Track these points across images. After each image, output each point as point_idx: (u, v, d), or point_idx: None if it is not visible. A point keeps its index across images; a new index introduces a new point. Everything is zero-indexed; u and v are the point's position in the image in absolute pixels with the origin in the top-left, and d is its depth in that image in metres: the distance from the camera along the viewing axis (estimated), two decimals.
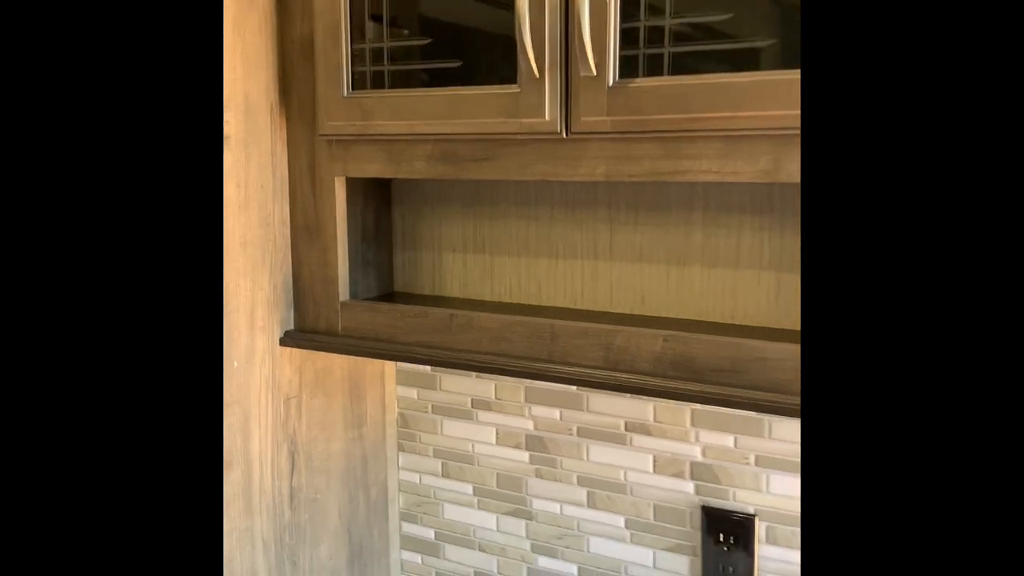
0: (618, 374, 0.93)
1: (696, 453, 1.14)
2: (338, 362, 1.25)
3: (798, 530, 1.07)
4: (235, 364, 1.08)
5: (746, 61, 0.85)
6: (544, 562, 1.27)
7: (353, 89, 1.05)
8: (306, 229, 1.13)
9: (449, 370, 1.31)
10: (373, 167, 1.06)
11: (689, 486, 1.15)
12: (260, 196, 1.10)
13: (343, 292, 1.12)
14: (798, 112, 0.79)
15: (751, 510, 1.11)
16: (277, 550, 1.16)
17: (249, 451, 1.11)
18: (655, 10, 0.87)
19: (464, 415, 1.31)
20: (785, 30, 0.84)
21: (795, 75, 0.79)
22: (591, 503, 1.22)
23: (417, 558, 1.38)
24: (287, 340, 1.14)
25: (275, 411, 1.15)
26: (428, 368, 1.33)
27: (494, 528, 1.31)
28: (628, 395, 1.17)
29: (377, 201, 1.22)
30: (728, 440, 1.11)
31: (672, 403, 1.14)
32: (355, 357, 1.28)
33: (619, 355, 0.94)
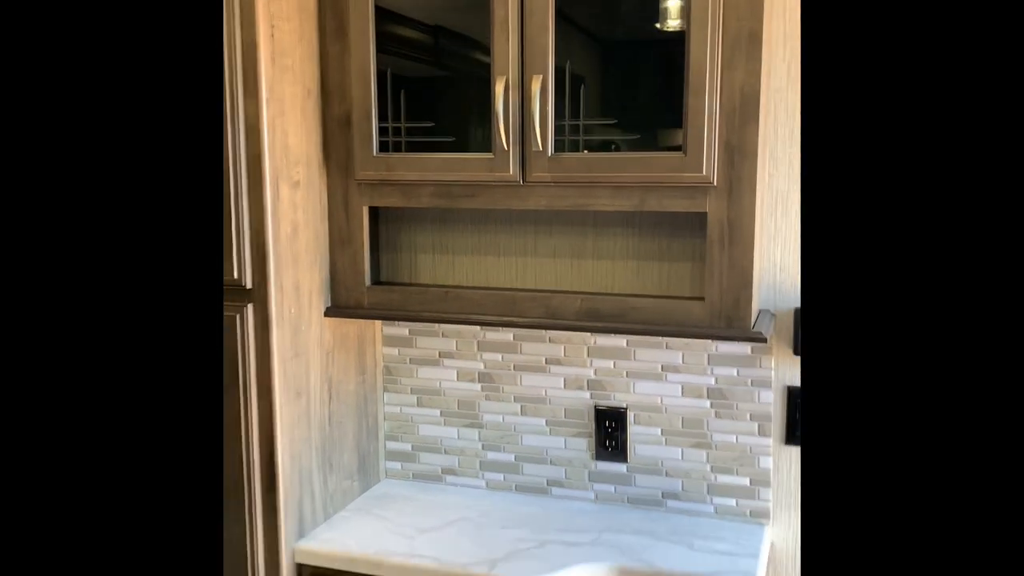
0: (556, 320, 1.61)
1: (591, 374, 1.83)
2: (352, 329, 1.84)
3: (654, 414, 1.79)
4: (302, 328, 1.65)
5: (623, 145, 1.55)
6: (492, 455, 1.93)
7: (380, 151, 1.65)
8: (340, 241, 1.72)
9: (424, 334, 1.93)
10: (392, 200, 1.67)
11: (586, 395, 1.84)
12: (314, 219, 1.68)
13: (368, 280, 1.72)
14: (652, 174, 1.49)
15: (624, 405, 1.82)
16: (321, 454, 1.74)
17: (309, 385, 1.69)
18: (575, 114, 1.55)
19: (433, 363, 1.94)
20: (645, 128, 1.55)
21: (649, 154, 1.50)
22: (523, 412, 1.89)
23: (398, 465, 2.00)
24: (331, 311, 1.72)
25: (321, 360, 1.73)
26: (407, 332, 1.95)
27: (455, 437, 1.95)
28: (547, 341, 1.85)
29: (373, 221, 1.82)
30: (609, 364, 1.82)
31: (576, 343, 1.83)
32: (361, 325, 1.87)
33: (555, 310, 1.61)
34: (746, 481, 1.73)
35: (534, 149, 1.54)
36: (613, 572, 1.54)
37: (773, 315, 1.67)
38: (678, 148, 1.47)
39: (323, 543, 1.64)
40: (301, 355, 1.66)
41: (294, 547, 1.64)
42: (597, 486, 1.85)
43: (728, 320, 1.49)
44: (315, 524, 1.71)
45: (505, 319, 1.64)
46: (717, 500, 1.76)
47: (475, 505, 1.84)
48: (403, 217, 1.87)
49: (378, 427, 1.97)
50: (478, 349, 1.91)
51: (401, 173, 1.64)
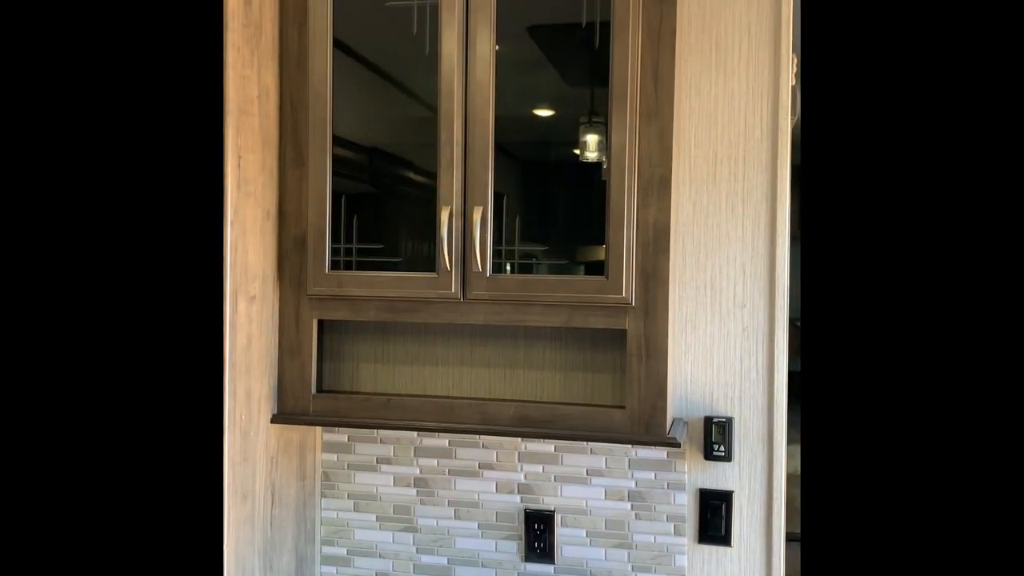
0: (490, 426, 1.75)
1: (521, 478, 1.96)
2: (295, 435, 1.93)
3: (579, 516, 1.92)
4: (250, 434, 1.75)
5: (554, 269, 1.75)
6: (426, 559, 2.01)
7: (331, 269, 1.81)
8: (289, 351, 1.84)
9: (363, 440, 2.04)
10: (340, 314, 1.82)
11: (517, 498, 1.96)
12: (267, 331, 1.80)
13: (313, 388, 1.84)
14: (578, 295, 1.69)
15: (552, 508, 1.95)
16: (263, 556, 1.80)
17: (255, 489, 1.76)
18: (510, 240, 1.75)
19: (371, 468, 2.04)
20: (571, 252, 1.76)
21: (576, 277, 1.70)
22: (457, 516, 1.99)
23: (333, 570, 2.05)
24: (278, 418, 1.82)
25: (266, 464, 1.81)
26: (346, 438, 2.05)
27: (391, 541, 2.02)
28: (481, 446, 1.98)
29: (319, 332, 1.96)
30: (539, 468, 1.96)
31: (507, 448, 1.97)
32: (303, 431, 1.97)
33: (490, 417, 1.76)
34: None
35: (474, 270, 1.72)
36: None
37: (686, 423, 1.86)
38: (600, 270, 1.68)
39: None
40: (249, 459, 1.74)
41: None
42: None
43: (647, 426, 1.67)
44: None
45: (443, 425, 1.77)
46: None
47: None
48: (348, 329, 2.01)
49: (315, 531, 2.04)
50: (415, 455, 2.02)
51: (350, 289, 1.79)
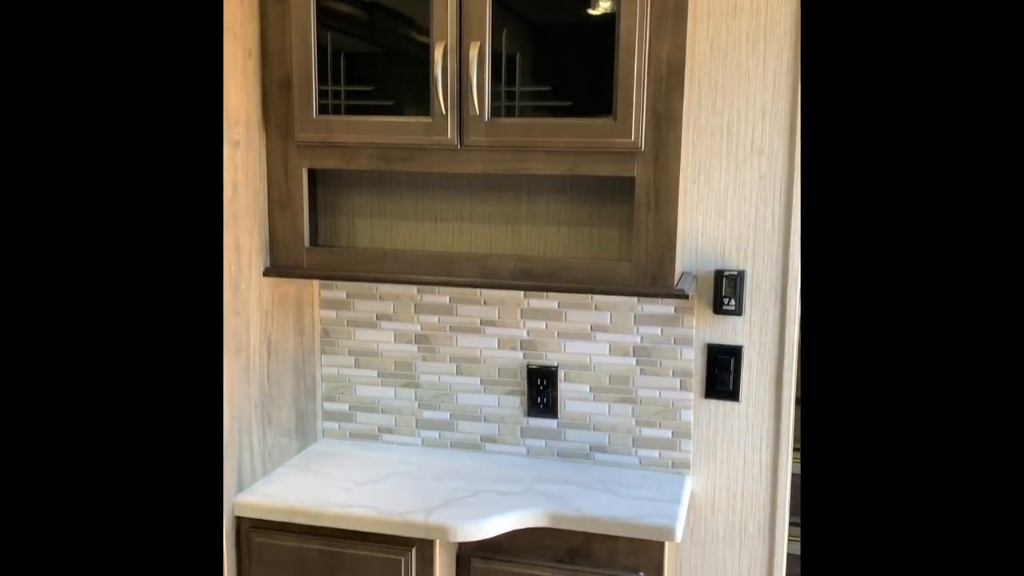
0: (490, 280, 1.68)
1: (523, 334, 1.91)
2: (291, 291, 1.87)
3: (583, 372, 1.88)
4: (241, 287, 1.68)
5: (558, 111, 1.62)
6: (428, 414, 1.99)
7: (319, 113, 1.69)
8: (280, 202, 1.75)
9: (362, 297, 1.98)
10: (331, 162, 1.71)
11: (519, 355, 1.92)
12: (254, 180, 1.70)
13: (307, 241, 1.76)
14: (584, 139, 1.57)
15: (555, 364, 1.90)
16: (260, 410, 1.78)
17: (249, 343, 1.72)
18: (510, 80, 1.62)
19: (371, 325, 1.99)
20: (580, 95, 1.62)
21: (581, 120, 1.57)
22: (459, 372, 1.96)
23: (335, 425, 2.04)
24: (270, 271, 1.75)
25: (260, 319, 1.76)
26: (344, 295, 1.99)
27: (392, 397, 2.00)
28: (482, 303, 1.91)
29: (312, 184, 1.86)
30: (542, 325, 1.90)
31: (509, 305, 1.90)
32: (299, 287, 1.91)
33: (490, 271, 1.68)
34: (668, 434, 1.84)
35: (471, 113, 1.60)
36: (544, 517, 1.62)
37: (695, 277, 1.78)
38: (608, 111, 1.55)
39: (262, 496, 1.68)
40: (241, 313, 1.69)
41: (233, 501, 1.67)
42: (529, 441, 1.93)
43: (653, 279, 1.59)
44: (254, 479, 1.75)
45: (442, 279, 1.70)
46: (641, 452, 1.86)
47: (411, 460, 1.90)
48: (342, 181, 1.91)
49: (316, 387, 2.01)
50: (415, 311, 1.96)
51: (340, 136, 1.68)
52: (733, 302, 1.74)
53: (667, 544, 1.60)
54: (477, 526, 1.58)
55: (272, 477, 1.78)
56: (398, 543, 1.60)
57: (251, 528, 1.67)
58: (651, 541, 1.59)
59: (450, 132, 1.62)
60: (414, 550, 1.60)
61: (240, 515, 1.67)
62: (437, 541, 1.59)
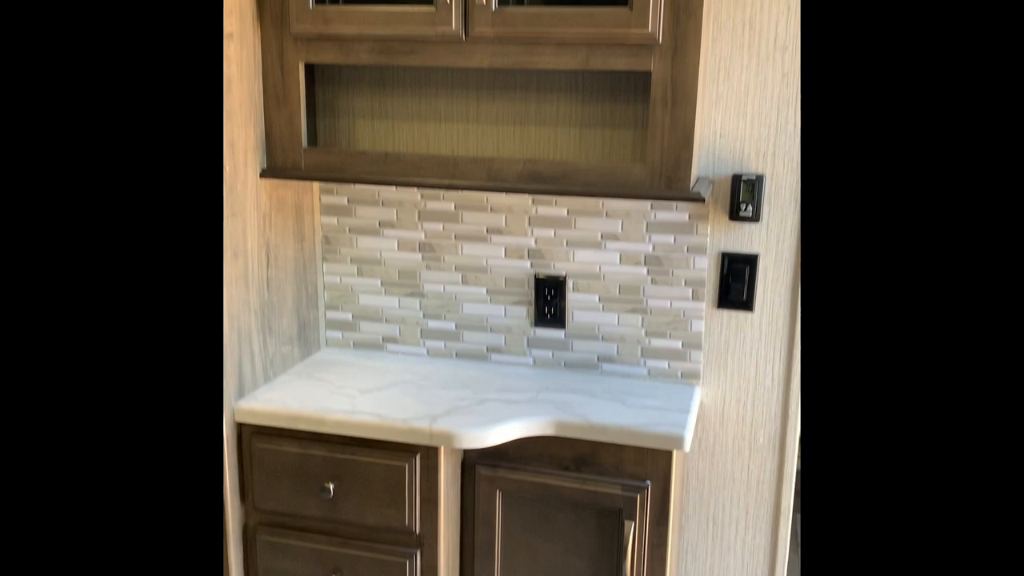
0: (497, 183, 1.60)
1: (531, 243, 1.85)
2: (289, 195, 1.80)
3: (592, 282, 1.82)
4: (237, 188, 1.61)
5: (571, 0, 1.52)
6: (433, 324, 1.94)
7: (316, 2, 1.59)
8: (275, 99, 1.67)
9: (364, 203, 1.91)
10: (328, 56, 1.62)
11: (526, 264, 1.86)
12: (248, 75, 1.61)
13: (304, 141, 1.68)
14: (599, 29, 1.47)
15: (563, 273, 1.84)
16: (261, 317, 1.73)
17: (247, 247, 1.66)
18: None
19: (373, 233, 1.92)
20: None
21: (595, 8, 1.47)
22: (464, 282, 1.90)
23: (339, 334, 2.00)
24: (267, 173, 1.68)
25: (258, 222, 1.69)
26: (346, 200, 1.92)
27: (396, 307, 1.95)
28: (489, 210, 1.84)
29: (310, 82, 1.77)
30: (550, 233, 1.83)
31: (517, 213, 1.83)
32: (299, 191, 1.84)
33: (496, 174, 1.61)
34: (678, 344, 1.79)
35: (477, 1, 1.50)
36: (550, 425, 1.59)
37: (711, 182, 1.70)
38: (624, 2, 1.45)
39: (264, 403, 1.65)
40: (238, 215, 1.62)
41: (234, 406, 1.65)
42: (535, 352, 1.89)
43: (668, 181, 1.51)
44: (255, 385, 1.72)
45: (446, 182, 1.63)
46: (650, 363, 1.82)
47: (416, 369, 1.87)
48: (341, 80, 1.82)
49: (318, 296, 1.96)
50: (419, 219, 1.89)
51: (338, 27, 1.58)
52: (750, 208, 1.67)
53: (675, 454, 1.57)
54: (482, 433, 1.55)
55: (274, 384, 1.75)
56: (402, 450, 1.58)
57: (253, 434, 1.65)
58: (659, 450, 1.56)
59: (454, 22, 1.52)
60: (418, 457, 1.57)
61: (242, 421, 1.65)
62: (442, 448, 1.56)
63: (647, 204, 1.75)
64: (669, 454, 1.56)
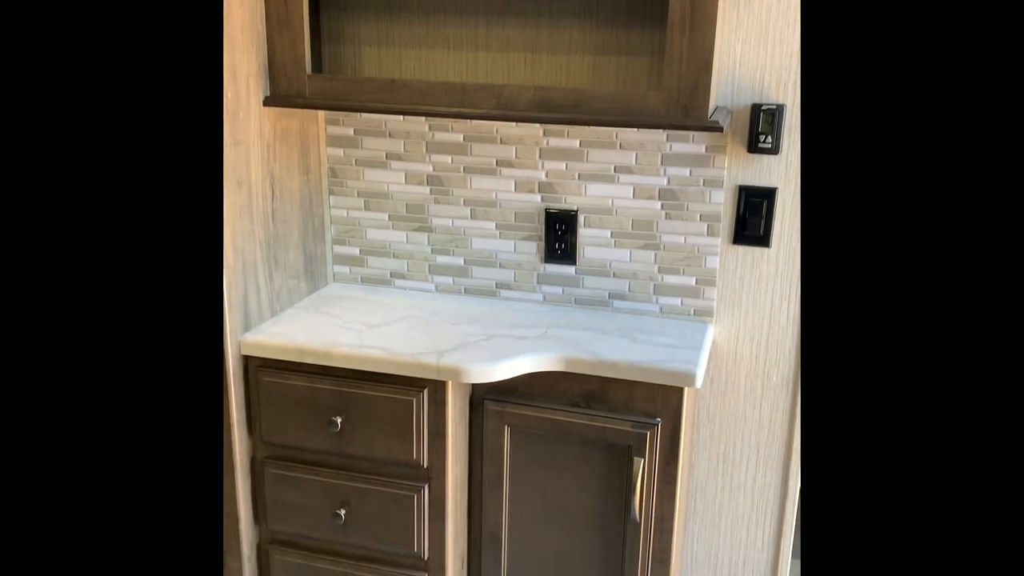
0: (507, 111, 1.55)
1: (542, 176, 1.80)
2: (294, 124, 1.75)
3: (604, 217, 1.78)
4: (240, 115, 1.57)
5: None
6: (441, 259, 1.91)
7: None
8: (278, 24, 1.61)
9: (370, 134, 1.86)
10: None
11: (537, 198, 1.81)
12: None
13: (308, 68, 1.62)
14: None
15: (575, 208, 1.80)
16: (265, 249, 1.70)
17: (250, 176, 1.62)
18: None
19: (380, 165, 1.88)
20: None
21: None
22: (473, 216, 1.86)
23: (346, 269, 1.97)
24: (270, 101, 1.63)
25: (262, 151, 1.65)
26: (352, 132, 1.87)
27: (404, 241, 1.92)
28: (498, 142, 1.79)
29: (314, 8, 1.70)
30: (562, 166, 1.78)
31: (527, 144, 1.78)
32: (304, 121, 1.79)
33: (506, 101, 1.55)
34: (692, 281, 1.76)
35: None
36: (559, 361, 1.56)
37: (730, 112, 1.64)
38: None
39: (270, 336, 1.63)
40: (240, 143, 1.58)
41: (240, 339, 1.63)
42: (545, 288, 1.86)
43: (685, 109, 1.45)
44: (261, 319, 1.69)
45: (454, 110, 1.57)
46: (663, 300, 1.78)
47: (424, 305, 1.84)
48: (346, 5, 1.75)
49: (324, 230, 1.93)
50: (427, 151, 1.85)
51: None
52: (770, 139, 1.61)
53: (686, 391, 1.55)
54: (490, 368, 1.53)
55: (280, 318, 1.73)
56: (410, 384, 1.56)
57: (259, 367, 1.63)
58: (670, 387, 1.54)
59: None
60: (426, 391, 1.55)
61: (248, 354, 1.63)
62: (449, 383, 1.54)
63: (662, 136, 1.70)
64: (680, 391, 1.54)
